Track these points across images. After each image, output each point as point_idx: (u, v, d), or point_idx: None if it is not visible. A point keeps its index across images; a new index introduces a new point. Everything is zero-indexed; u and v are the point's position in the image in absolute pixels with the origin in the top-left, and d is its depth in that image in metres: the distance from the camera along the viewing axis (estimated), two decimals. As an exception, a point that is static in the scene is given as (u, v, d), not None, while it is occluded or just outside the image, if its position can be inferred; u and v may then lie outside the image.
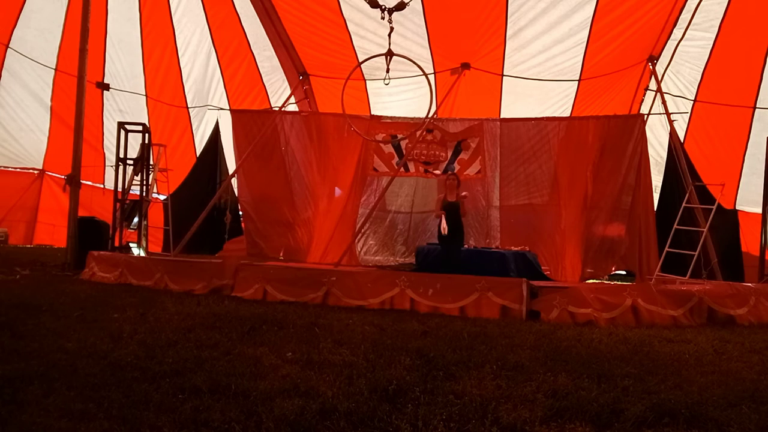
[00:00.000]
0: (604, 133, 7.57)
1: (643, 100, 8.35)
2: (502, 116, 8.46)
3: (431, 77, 7.63)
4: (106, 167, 8.82)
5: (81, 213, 6.63)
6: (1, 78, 8.46)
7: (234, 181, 8.47)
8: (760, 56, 7.00)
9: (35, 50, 8.39)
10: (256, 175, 8.39)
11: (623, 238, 7.43)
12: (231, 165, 9.02)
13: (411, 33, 7.64)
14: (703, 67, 7.43)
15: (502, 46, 7.63)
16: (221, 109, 9.07)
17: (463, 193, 6.65)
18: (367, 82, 8.83)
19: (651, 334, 3.78)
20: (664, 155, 7.72)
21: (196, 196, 8.75)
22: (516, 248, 7.08)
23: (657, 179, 7.69)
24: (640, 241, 7.17)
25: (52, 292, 4.31)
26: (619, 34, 7.31)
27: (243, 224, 8.61)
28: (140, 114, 9.08)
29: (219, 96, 9.38)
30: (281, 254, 8.20)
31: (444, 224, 6.36)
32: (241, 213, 8.74)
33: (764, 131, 7.00)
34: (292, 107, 8.93)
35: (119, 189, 7.34)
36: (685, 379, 2.55)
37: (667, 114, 7.32)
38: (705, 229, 6.50)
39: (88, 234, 6.66)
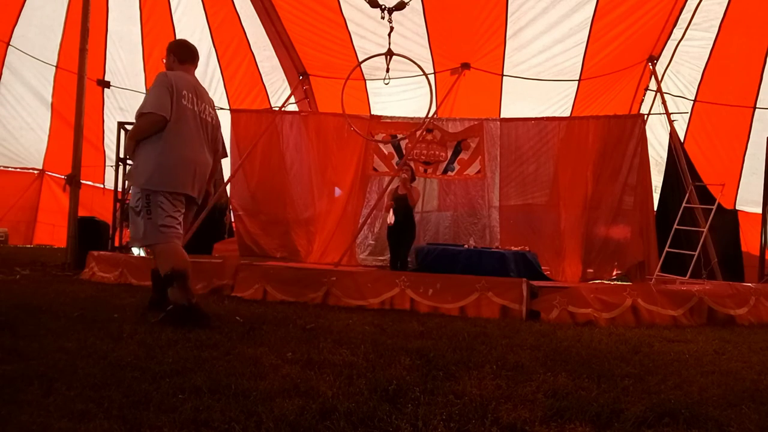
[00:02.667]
0: (604, 133, 7.58)
1: (643, 100, 8.37)
2: (502, 116, 8.47)
3: (431, 77, 7.64)
4: (106, 167, 8.83)
5: (81, 213, 6.62)
6: (2, 76, 8.47)
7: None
8: (760, 56, 7.01)
9: (36, 48, 8.41)
10: (255, 175, 8.39)
11: (626, 239, 7.44)
12: (227, 165, 9.01)
13: (411, 33, 7.64)
14: (703, 67, 7.44)
15: (502, 46, 7.64)
16: (221, 108, 9.07)
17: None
18: (367, 82, 8.83)
19: (651, 334, 3.78)
20: (664, 155, 7.72)
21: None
22: (516, 248, 7.08)
23: (657, 179, 7.69)
24: (640, 241, 7.20)
25: (52, 292, 4.31)
26: (619, 34, 7.31)
27: (234, 225, 8.58)
28: (141, 113, 9.08)
29: (219, 96, 9.38)
30: (278, 255, 8.20)
31: (391, 217, 6.51)
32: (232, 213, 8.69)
33: (764, 131, 7.01)
34: (292, 107, 8.93)
35: (119, 189, 7.34)
36: (685, 379, 2.55)
37: (667, 114, 7.33)
38: (705, 229, 6.50)
39: (88, 234, 6.66)
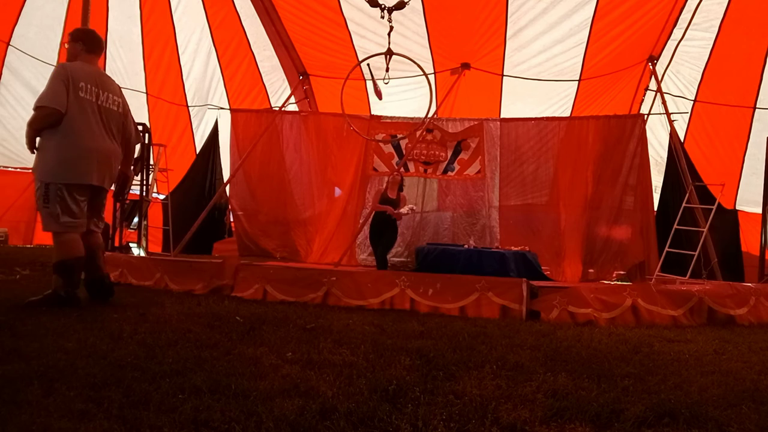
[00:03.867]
0: (604, 133, 7.58)
1: (643, 100, 8.36)
2: (502, 116, 8.47)
3: (431, 77, 7.63)
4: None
5: (81, 213, 6.60)
6: (2, 76, 8.46)
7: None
8: (760, 56, 7.00)
9: (36, 48, 8.40)
10: (255, 175, 8.39)
11: (626, 239, 7.43)
12: (225, 164, 9.01)
13: (411, 32, 7.64)
14: (703, 67, 7.44)
15: (502, 46, 7.63)
16: (221, 108, 9.07)
17: (405, 210, 6.94)
18: (367, 81, 8.82)
19: (651, 334, 3.78)
20: (664, 155, 7.72)
21: (192, 196, 8.75)
22: (516, 248, 7.08)
23: (657, 179, 7.69)
24: (640, 241, 7.20)
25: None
26: (619, 34, 7.31)
27: (233, 225, 8.58)
28: (141, 111, 9.07)
29: (219, 95, 9.38)
30: (278, 255, 8.20)
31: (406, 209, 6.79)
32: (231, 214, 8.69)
33: (764, 131, 7.00)
34: (292, 107, 8.93)
35: (119, 189, 7.33)
36: (685, 379, 2.56)
37: (667, 114, 7.32)
38: (705, 229, 6.50)
39: (88, 234, 6.64)
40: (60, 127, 3.55)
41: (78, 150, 3.62)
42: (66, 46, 3.89)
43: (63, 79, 3.56)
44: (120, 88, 4.05)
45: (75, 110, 3.59)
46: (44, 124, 3.55)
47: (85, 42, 3.84)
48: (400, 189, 7.01)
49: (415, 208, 7.50)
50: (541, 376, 2.47)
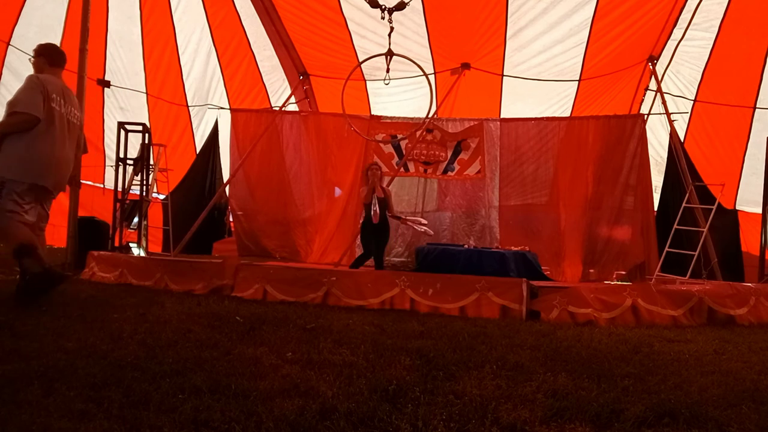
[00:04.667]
0: (604, 133, 7.59)
1: (643, 100, 8.36)
2: (502, 116, 8.47)
3: (431, 77, 7.63)
4: (106, 167, 8.83)
5: (81, 213, 6.61)
6: (2, 76, 8.46)
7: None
8: (760, 56, 7.00)
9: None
10: (255, 175, 8.39)
11: (626, 239, 7.43)
12: (225, 164, 9.01)
13: (411, 33, 7.64)
14: (703, 67, 7.44)
15: (502, 46, 7.63)
16: (221, 108, 9.07)
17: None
18: (367, 82, 8.83)
19: (651, 334, 3.78)
20: (664, 155, 7.72)
21: (192, 196, 8.75)
22: (516, 248, 7.08)
23: (657, 179, 7.69)
24: (640, 241, 7.20)
25: (52, 292, 4.30)
26: (619, 34, 7.31)
27: (232, 225, 8.58)
28: (141, 111, 9.07)
29: (219, 95, 9.37)
30: (278, 255, 8.20)
31: (377, 209, 6.52)
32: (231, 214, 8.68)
33: (764, 131, 7.00)
34: (292, 107, 8.92)
35: (119, 189, 7.34)
36: (685, 379, 2.56)
37: (667, 114, 7.32)
38: (705, 229, 6.50)
39: (88, 234, 6.66)
40: (32, 132, 3.73)
41: (43, 154, 3.81)
42: (31, 60, 4.09)
43: (40, 90, 3.76)
44: (77, 102, 4.29)
45: (47, 118, 3.80)
46: (17, 129, 3.73)
47: (47, 56, 4.05)
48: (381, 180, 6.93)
49: (431, 232, 7.37)
50: (541, 376, 2.47)
